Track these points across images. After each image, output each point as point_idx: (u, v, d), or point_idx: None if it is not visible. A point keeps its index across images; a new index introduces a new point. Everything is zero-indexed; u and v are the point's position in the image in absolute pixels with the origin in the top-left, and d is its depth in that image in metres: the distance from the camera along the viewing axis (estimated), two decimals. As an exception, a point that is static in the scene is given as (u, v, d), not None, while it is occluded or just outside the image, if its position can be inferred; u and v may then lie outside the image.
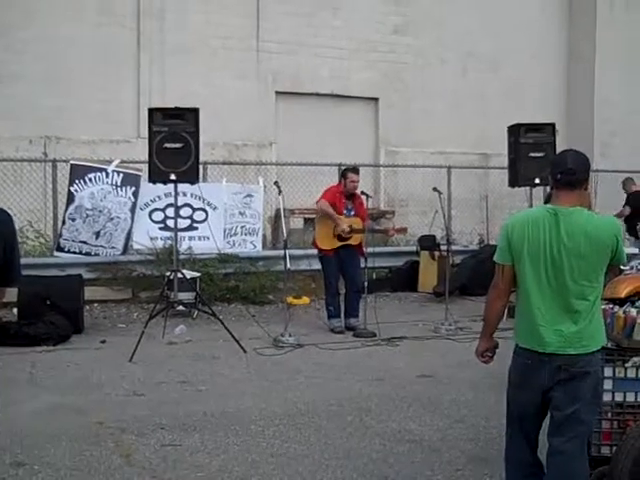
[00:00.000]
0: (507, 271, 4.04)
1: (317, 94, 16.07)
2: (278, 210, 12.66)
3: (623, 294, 7.16)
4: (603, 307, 4.60)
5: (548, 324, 3.92)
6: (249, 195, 12.31)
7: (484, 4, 17.27)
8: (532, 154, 10.69)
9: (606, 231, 3.88)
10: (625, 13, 17.97)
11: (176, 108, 9.56)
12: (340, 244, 9.83)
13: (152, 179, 9.49)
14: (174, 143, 9.26)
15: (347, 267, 9.95)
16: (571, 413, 3.91)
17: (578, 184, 3.95)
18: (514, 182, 10.92)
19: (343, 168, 10.33)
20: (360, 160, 14.32)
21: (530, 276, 3.94)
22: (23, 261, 10.59)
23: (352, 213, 9.89)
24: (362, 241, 10.05)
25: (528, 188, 10.95)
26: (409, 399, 6.97)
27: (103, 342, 9.20)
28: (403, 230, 10.63)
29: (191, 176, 9.42)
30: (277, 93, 15.79)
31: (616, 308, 5.04)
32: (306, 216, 14.18)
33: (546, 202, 10.72)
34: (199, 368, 8.09)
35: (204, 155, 10.31)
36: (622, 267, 9.85)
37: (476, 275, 12.19)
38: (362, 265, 9.83)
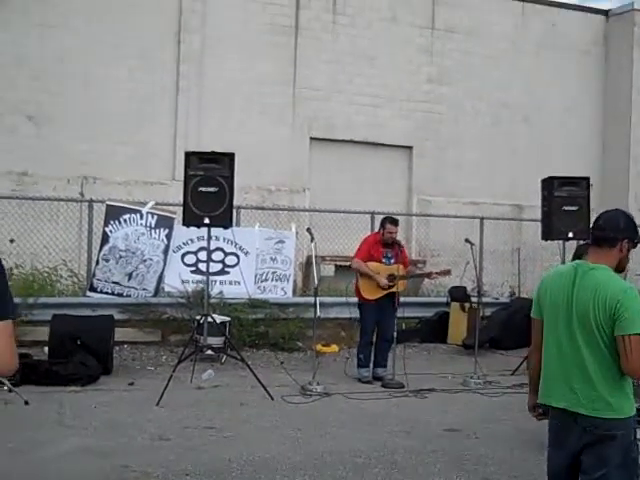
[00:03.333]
0: (537, 325, 4.08)
1: (351, 141, 16.20)
2: (309, 256, 12.70)
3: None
4: None
5: (560, 378, 3.92)
6: (281, 241, 12.34)
7: (519, 56, 17.41)
8: (566, 208, 10.64)
9: (612, 294, 3.75)
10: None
11: (212, 152, 9.66)
12: (384, 293, 9.82)
13: (186, 222, 9.54)
14: (209, 187, 9.34)
15: (382, 316, 9.91)
16: (598, 478, 3.82)
17: (605, 242, 3.92)
18: (547, 235, 10.85)
19: (382, 217, 10.31)
20: (392, 208, 14.38)
21: (547, 330, 3.99)
22: (56, 300, 10.89)
23: (392, 261, 9.88)
24: (405, 288, 10.06)
25: (561, 242, 10.88)
26: (436, 453, 6.89)
27: (131, 384, 9.22)
28: (446, 272, 10.49)
29: (225, 220, 9.48)
30: (312, 139, 15.94)
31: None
32: (337, 263, 14.20)
33: (574, 255, 10.71)
34: (226, 414, 8.07)
35: (237, 199, 10.38)
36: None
37: (506, 328, 12.12)
38: (395, 315, 9.80)
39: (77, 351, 9.33)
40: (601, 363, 3.80)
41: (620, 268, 3.97)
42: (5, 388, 8.11)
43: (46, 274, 11.76)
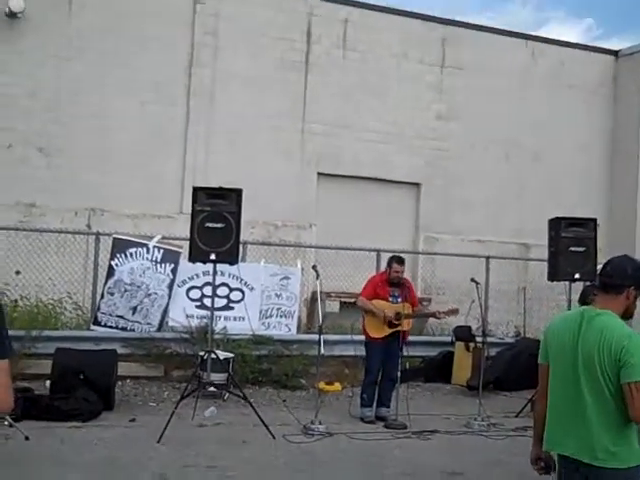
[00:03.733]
0: (543, 370, 4.07)
1: (359, 177, 16.22)
2: (314, 293, 12.65)
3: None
4: None
5: (564, 425, 3.89)
6: (286, 277, 12.33)
7: (527, 95, 17.47)
8: (573, 248, 10.63)
9: (617, 340, 3.74)
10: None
11: (220, 188, 9.65)
12: (390, 331, 9.77)
13: (192, 258, 9.55)
14: (216, 223, 9.34)
15: (387, 355, 9.86)
16: None
17: (612, 288, 3.92)
18: (554, 276, 10.83)
19: (389, 256, 10.30)
20: (399, 245, 14.39)
21: (553, 375, 3.98)
22: (59, 333, 10.88)
23: (399, 300, 9.84)
24: (410, 327, 10.03)
25: (567, 282, 10.83)
26: (438, 499, 6.82)
27: (133, 420, 9.17)
28: (454, 312, 10.42)
29: (231, 257, 9.48)
30: (319, 174, 15.97)
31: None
32: (342, 300, 14.16)
33: (581, 297, 10.66)
34: (227, 452, 8.02)
35: (244, 234, 10.38)
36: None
37: (511, 369, 12.04)
38: (400, 355, 9.75)
39: (79, 386, 9.30)
40: (605, 411, 3.76)
41: (627, 314, 3.95)
42: (6, 423, 8.09)
43: (51, 306, 11.76)
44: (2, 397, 2.66)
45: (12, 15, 13.67)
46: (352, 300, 11.08)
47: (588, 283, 10.91)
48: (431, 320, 13.12)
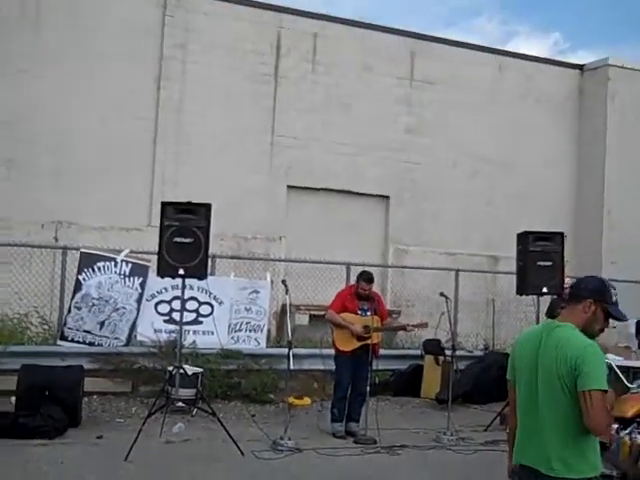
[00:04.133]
0: (511, 386, 4.15)
1: (328, 189, 16.23)
2: (284, 305, 12.62)
3: (629, 414, 7.04)
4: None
5: (527, 437, 3.95)
6: (256, 291, 12.27)
7: (495, 109, 17.61)
8: (540, 263, 10.70)
9: (573, 350, 3.79)
10: (636, 121, 18.22)
11: (188, 203, 9.55)
12: (359, 344, 9.75)
13: (160, 273, 9.46)
14: (184, 238, 9.28)
15: (357, 369, 9.83)
16: None
17: (571, 298, 4.04)
18: (522, 290, 10.90)
19: (358, 272, 10.29)
20: (368, 257, 14.41)
21: (518, 390, 4.06)
22: (25, 349, 10.75)
23: (368, 313, 9.83)
24: (380, 340, 10.02)
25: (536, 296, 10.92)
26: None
27: (100, 437, 9.04)
28: (423, 325, 10.45)
29: (200, 272, 9.42)
30: (289, 187, 15.96)
31: (622, 432, 4.92)
32: (312, 312, 14.13)
33: (548, 309, 10.76)
34: (195, 470, 7.96)
35: (213, 247, 10.33)
36: (629, 385, 9.74)
37: (480, 383, 12.09)
38: (370, 369, 9.73)
39: (45, 402, 9.16)
40: (563, 423, 3.82)
41: (589, 331, 3.98)
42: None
43: (16, 321, 11.61)
44: None
45: (-25, 29, 13.52)
46: (322, 313, 11.06)
47: (555, 296, 11.04)
48: (400, 333, 13.16)
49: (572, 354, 3.78)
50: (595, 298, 3.97)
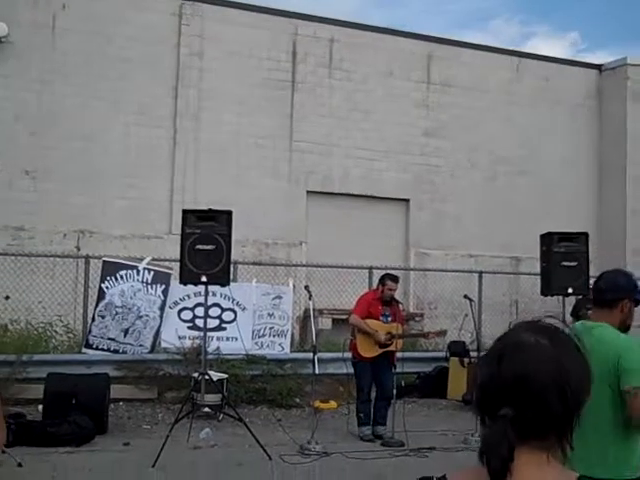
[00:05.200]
0: None
1: (348, 194, 16.21)
2: (307, 310, 12.58)
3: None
4: None
5: (579, 442, 3.80)
6: (278, 296, 12.27)
7: (514, 110, 17.54)
8: (565, 263, 10.59)
9: (614, 348, 3.71)
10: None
11: (209, 210, 9.55)
12: (381, 351, 9.72)
13: (183, 280, 9.45)
14: (206, 245, 9.25)
15: (380, 374, 9.80)
16: None
17: (605, 303, 3.93)
18: (547, 291, 10.80)
19: (382, 274, 10.27)
20: (390, 261, 14.38)
21: None
22: (50, 357, 10.80)
23: (390, 319, 9.80)
24: (401, 347, 9.98)
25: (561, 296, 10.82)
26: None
27: (127, 444, 9.05)
28: (442, 333, 10.45)
29: (222, 278, 9.39)
30: (308, 193, 15.95)
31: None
32: (335, 317, 14.11)
33: (573, 310, 10.63)
34: (223, 475, 7.96)
35: (234, 253, 10.32)
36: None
37: (506, 383, 11.98)
38: (394, 371, 9.70)
39: (72, 410, 9.19)
40: (605, 423, 3.70)
41: (624, 327, 3.93)
42: (-2, 450, 7.96)
43: (41, 330, 11.66)
44: None
45: (-4, 39, 13.64)
46: (344, 317, 11.04)
47: (580, 296, 10.94)
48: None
49: (614, 352, 3.69)
50: (630, 297, 3.93)
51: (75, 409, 9.25)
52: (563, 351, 1.88)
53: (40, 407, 9.65)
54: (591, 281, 11.04)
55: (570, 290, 10.51)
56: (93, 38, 14.35)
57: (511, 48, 18.56)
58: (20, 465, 7.77)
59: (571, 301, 10.91)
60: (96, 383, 9.77)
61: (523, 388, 1.76)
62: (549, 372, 1.80)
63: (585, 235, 10.95)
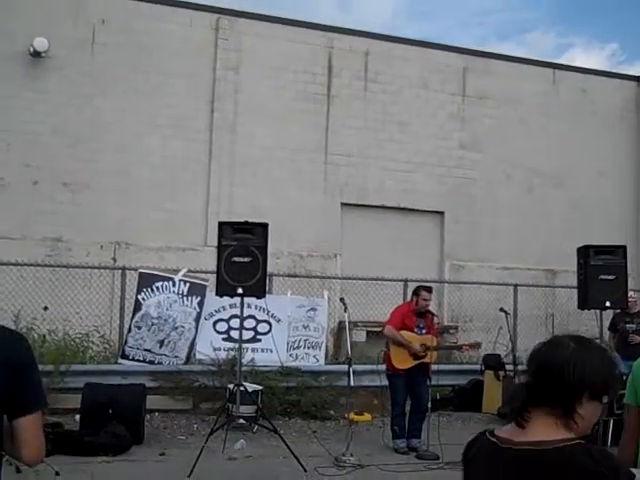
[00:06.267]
0: (632, 412, 3.67)
1: (383, 207, 16.21)
2: (341, 322, 12.62)
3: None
4: None
5: None
6: (313, 309, 12.28)
7: (550, 122, 17.45)
8: (602, 276, 10.46)
9: None
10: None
11: (246, 222, 9.59)
12: (415, 363, 9.69)
13: (219, 292, 9.49)
14: (242, 257, 9.28)
15: (415, 386, 9.75)
16: None
17: None
18: (584, 304, 10.66)
19: (416, 286, 10.24)
20: (424, 274, 14.32)
21: None
22: (87, 367, 10.89)
23: (424, 331, 9.77)
24: (436, 359, 9.93)
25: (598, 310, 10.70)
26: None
27: (163, 454, 9.10)
28: (476, 346, 10.36)
29: (258, 291, 9.43)
30: (343, 205, 15.98)
31: None
32: (369, 329, 14.09)
33: (611, 324, 10.43)
34: (259, 487, 7.94)
35: (269, 265, 10.35)
36: None
37: (542, 397, 11.87)
38: (429, 384, 9.65)
39: (109, 420, 9.26)
40: None
41: None
42: (37, 459, 8.03)
43: (78, 340, 11.78)
44: (34, 451, 2.68)
45: (36, 54, 13.88)
46: (378, 329, 11.00)
47: (618, 310, 10.82)
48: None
49: None
50: None
51: (112, 419, 9.31)
52: (586, 349, 2.37)
53: (77, 417, 9.75)
54: (630, 294, 10.92)
55: (608, 304, 10.36)
56: (131, 52, 14.56)
57: (547, 60, 18.47)
58: (58, 474, 7.83)
59: (607, 315, 10.81)
60: (133, 393, 9.84)
61: (543, 367, 2.37)
62: (566, 358, 2.33)
63: (623, 248, 10.82)
